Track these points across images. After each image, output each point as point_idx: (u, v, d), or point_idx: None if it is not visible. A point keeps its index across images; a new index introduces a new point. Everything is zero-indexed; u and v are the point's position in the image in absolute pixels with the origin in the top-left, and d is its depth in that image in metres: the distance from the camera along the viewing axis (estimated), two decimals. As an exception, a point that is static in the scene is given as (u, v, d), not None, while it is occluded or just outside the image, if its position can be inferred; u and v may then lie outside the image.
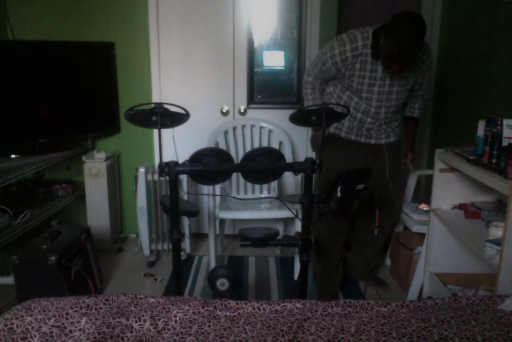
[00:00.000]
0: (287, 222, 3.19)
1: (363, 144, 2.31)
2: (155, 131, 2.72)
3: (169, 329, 1.25)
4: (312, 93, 2.30)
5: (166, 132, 2.01)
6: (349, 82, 2.17)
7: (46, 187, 2.92)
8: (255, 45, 3.11)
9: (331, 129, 2.33)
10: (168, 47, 3.07)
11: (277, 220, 3.08)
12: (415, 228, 2.46)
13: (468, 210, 2.10)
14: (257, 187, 3.06)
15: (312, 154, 3.20)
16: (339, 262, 2.52)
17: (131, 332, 1.22)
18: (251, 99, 3.17)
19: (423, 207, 2.58)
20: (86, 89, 3.01)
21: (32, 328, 1.20)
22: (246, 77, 3.12)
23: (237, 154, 3.02)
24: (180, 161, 1.77)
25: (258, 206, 2.86)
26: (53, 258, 2.09)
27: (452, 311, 1.33)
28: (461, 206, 2.17)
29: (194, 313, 1.31)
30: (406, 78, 2.18)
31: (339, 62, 2.11)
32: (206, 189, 2.88)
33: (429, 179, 2.83)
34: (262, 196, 3.04)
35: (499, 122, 1.76)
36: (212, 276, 1.98)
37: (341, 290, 2.60)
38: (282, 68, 3.20)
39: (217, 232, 2.86)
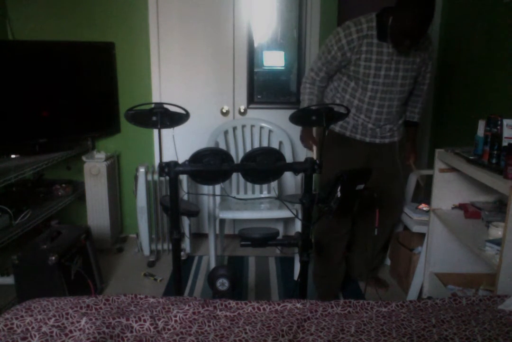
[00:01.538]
0: (287, 222, 3.19)
1: (367, 144, 2.31)
2: (155, 131, 2.71)
3: (169, 329, 1.25)
4: (311, 88, 2.29)
5: (166, 132, 2.01)
6: (355, 68, 2.15)
7: (46, 187, 2.92)
8: (255, 45, 3.11)
9: (336, 128, 2.32)
10: (168, 47, 3.07)
11: (277, 220, 3.08)
12: (415, 228, 2.46)
13: (468, 210, 2.10)
14: (257, 187, 3.06)
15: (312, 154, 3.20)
16: (341, 262, 2.52)
17: (131, 332, 1.22)
18: (251, 99, 3.17)
19: (423, 207, 2.58)
20: (86, 89, 3.00)
21: (32, 328, 1.20)
22: (246, 77, 3.13)
23: (237, 154, 3.02)
24: (180, 161, 1.77)
25: (258, 206, 2.86)
26: (53, 258, 2.09)
27: (452, 311, 1.33)
28: (461, 206, 2.17)
29: (194, 313, 1.31)
30: (411, 64, 2.18)
31: (345, 45, 2.10)
32: (206, 189, 2.88)
33: (429, 179, 2.83)
34: (262, 196, 3.04)
35: (499, 122, 1.76)
36: (212, 276, 1.98)
37: (341, 290, 2.60)
38: (282, 68, 3.20)
39: (217, 232, 2.86)
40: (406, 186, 2.71)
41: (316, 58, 2.28)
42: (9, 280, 2.39)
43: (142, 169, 2.80)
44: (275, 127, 3.03)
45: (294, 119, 1.81)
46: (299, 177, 2.91)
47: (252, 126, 3.06)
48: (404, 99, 2.29)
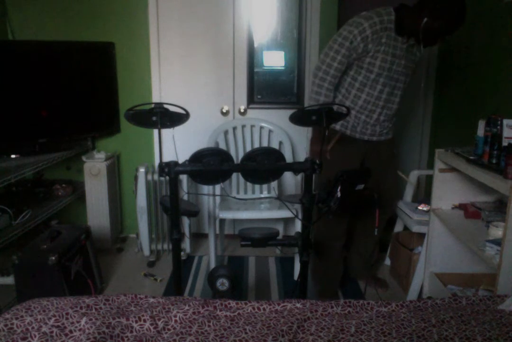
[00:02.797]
0: (287, 222, 3.19)
1: (366, 142, 2.31)
2: (155, 131, 2.71)
3: (169, 329, 1.25)
4: (328, 96, 2.16)
5: (166, 132, 2.01)
6: (371, 60, 2.11)
7: (46, 187, 2.91)
8: (255, 45, 3.11)
9: (337, 127, 2.29)
10: (168, 47, 3.07)
11: (277, 220, 3.08)
12: (415, 228, 2.46)
13: (468, 210, 2.10)
14: (257, 187, 3.06)
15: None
16: (339, 261, 2.51)
17: (131, 332, 1.22)
18: (251, 99, 3.17)
19: (423, 207, 2.59)
20: (86, 89, 3.00)
21: (32, 328, 1.20)
22: (246, 77, 3.12)
23: (237, 154, 3.02)
24: (180, 161, 1.77)
25: (258, 206, 2.86)
26: (53, 258, 2.09)
27: (452, 311, 1.33)
28: (461, 206, 2.17)
29: (194, 313, 1.31)
30: (412, 62, 2.20)
31: (370, 35, 2.04)
32: (206, 189, 2.88)
33: (429, 178, 2.83)
34: (262, 196, 3.04)
35: (499, 122, 1.76)
36: (212, 276, 1.98)
37: (340, 289, 2.59)
38: (282, 68, 3.19)
39: (217, 232, 2.86)
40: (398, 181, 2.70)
41: (332, 53, 2.09)
42: (9, 280, 2.39)
43: (142, 170, 2.80)
44: (275, 127, 3.03)
45: (294, 119, 1.81)
46: (299, 176, 2.91)
47: (252, 126, 3.06)
48: (401, 96, 2.30)
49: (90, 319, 1.21)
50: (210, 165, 1.76)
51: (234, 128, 3.03)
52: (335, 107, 1.84)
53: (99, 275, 2.54)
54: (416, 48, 2.18)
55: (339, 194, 1.76)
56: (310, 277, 2.42)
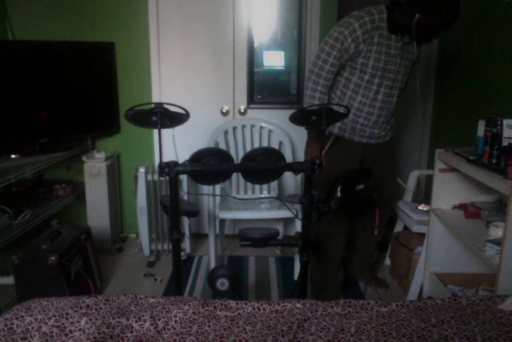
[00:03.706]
0: (287, 222, 3.19)
1: (364, 145, 2.30)
2: (155, 131, 2.71)
3: (169, 329, 1.25)
4: (321, 99, 2.14)
5: (166, 132, 2.01)
6: (364, 60, 2.08)
7: (46, 187, 2.92)
8: (255, 45, 3.11)
9: (335, 130, 2.28)
10: (168, 47, 3.07)
11: (277, 220, 3.08)
12: (415, 228, 2.46)
13: (468, 210, 2.10)
14: (257, 187, 3.06)
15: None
16: (340, 265, 2.46)
17: (131, 332, 1.22)
18: (251, 99, 3.17)
19: (423, 207, 2.59)
20: (86, 89, 3.00)
21: (32, 328, 1.20)
22: (246, 77, 3.12)
23: (237, 154, 3.02)
24: (180, 161, 1.77)
25: (258, 206, 2.86)
26: (53, 258, 2.09)
27: (452, 311, 1.33)
28: (461, 206, 2.17)
29: (194, 313, 1.31)
30: (410, 61, 2.19)
31: (360, 35, 2.01)
32: (206, 189, 2.88)
33: (429, 178, 2.83)
34: (262, 196, 3.04)
35: (499, 122, 1.76)
36: (212, 276, 1.98)
37: (342, 294, 2.56)
38: (282, 68, 3.20)
39: (217, 232, 2.86)
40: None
41: (323, 55, 2.08)
42: (9, 280, 2.39)
43: (142, 170, 2.80)
44: (275, 127, 3.03)
45: (294, 119, 1.80)
46: (299, 176, 2.91)
47: (252, 126, 3.06)
48: (398, 97, 2.27)
49: (90, 319, 1.21)
50: (210, 165, 1.76)
51: (234, 128, 3.03)
52: (334, 107, 1.84)
53: (99, 275, 2.54)
54: (412, 46, 2.15)
55: (339, 194, 1.76)
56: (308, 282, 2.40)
